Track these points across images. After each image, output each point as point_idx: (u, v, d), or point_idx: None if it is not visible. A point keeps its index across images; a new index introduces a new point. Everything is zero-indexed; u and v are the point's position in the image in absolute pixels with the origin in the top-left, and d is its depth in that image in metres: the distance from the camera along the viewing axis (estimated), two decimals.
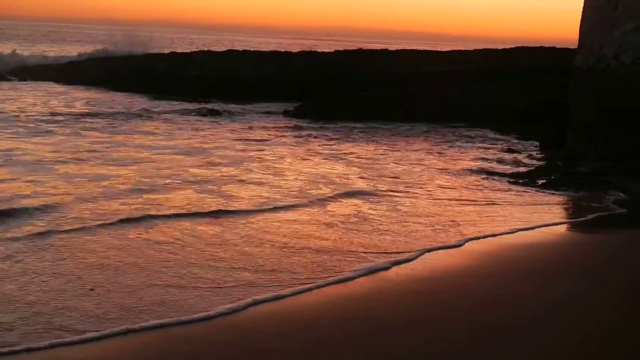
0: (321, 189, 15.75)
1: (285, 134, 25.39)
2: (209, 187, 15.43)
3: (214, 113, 30.07)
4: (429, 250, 11.40)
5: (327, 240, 11.79)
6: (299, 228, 12.43)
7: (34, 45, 77.41)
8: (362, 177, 17.61)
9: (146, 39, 53.95)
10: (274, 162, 19.21)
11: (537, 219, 14.21)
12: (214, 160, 18.98)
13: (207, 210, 13.21)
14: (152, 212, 12.82)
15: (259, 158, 19.79)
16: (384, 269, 10.38)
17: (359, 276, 10.02)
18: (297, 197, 14.84)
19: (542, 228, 13.50)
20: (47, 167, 16.78)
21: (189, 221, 12.47)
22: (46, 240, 10.95)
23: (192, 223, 12.35)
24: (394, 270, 10.44)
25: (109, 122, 26.18)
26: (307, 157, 20.58)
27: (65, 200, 13.29)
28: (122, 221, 12.14)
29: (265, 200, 14.43)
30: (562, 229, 14.03)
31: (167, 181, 15.77)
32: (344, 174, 17.95)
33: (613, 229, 14.18)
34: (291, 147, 22.28)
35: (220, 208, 13.47)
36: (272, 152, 21.03)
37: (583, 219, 14.75)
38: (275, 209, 13.71)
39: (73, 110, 29.02)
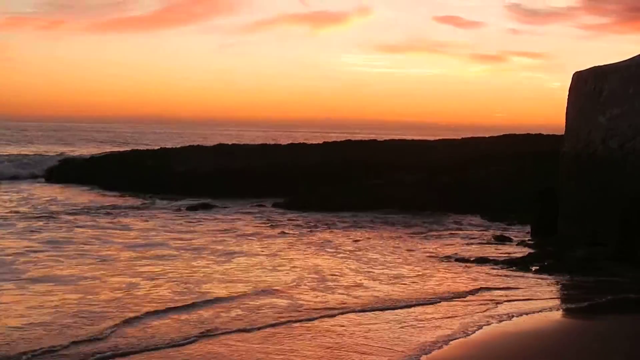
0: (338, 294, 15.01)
1: (276, 226, 25.23)
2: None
3: (204, 207, 29.97)
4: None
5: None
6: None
7: (20, 145, 77.85)
8: (359, 272, 17.27)
9: (135, 135, 54.39)
10: (274, 258, 18.84)
11: (531, 305, 14.04)
12: (205, 257, 18.74)
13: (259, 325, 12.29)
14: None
15: (254, 253, 19.49)
16: None
17: None
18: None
19: (536, 314, 13.34)
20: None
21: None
22: None
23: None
24: None
25: (92, 218, 25.98)
26: (305, 250, 20.27)
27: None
28: None
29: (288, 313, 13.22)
30: (557, 315, 13.85)
31: (153, 284, 15.45)
32: (346, 269, 17.69)
33: (606, 316, 14.01)
34: (284, 240, 22.09)
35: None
36: (266, 247, 20.77)
37: (578, 305, 14.59)
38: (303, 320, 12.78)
39: (59, 208, 28.93)
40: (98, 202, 31.76)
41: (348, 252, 20.02)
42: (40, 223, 24.17)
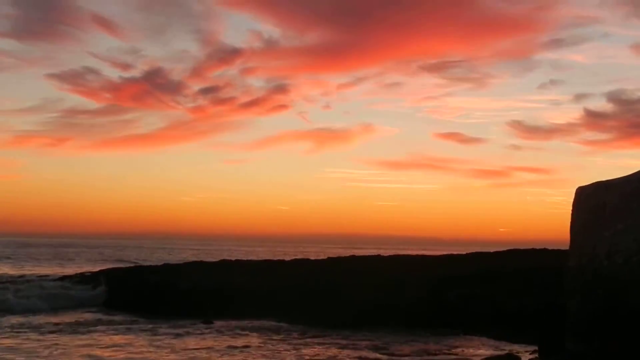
0: None
1: (276, 345, 24.90)
2: None
3: (207, 323, 29.75)
4: None
5: None
6: None
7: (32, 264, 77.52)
8: None
9: (138, 250, 54.34)
10: None
11: None
12: None
13: None
14: None
15: None
16: None
17: None
18: None
19: None
20: None
21: None
22: None
23: None
24: None
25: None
26: None
27: None
28: None
29: None
30: None
31: None
32: None
33: None
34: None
35: None
36: None
37: None
38: None
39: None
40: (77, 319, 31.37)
41: None
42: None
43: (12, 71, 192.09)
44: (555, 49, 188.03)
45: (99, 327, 28.18)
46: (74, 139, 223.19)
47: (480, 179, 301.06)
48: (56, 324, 28.82)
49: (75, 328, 27.88)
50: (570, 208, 23.24)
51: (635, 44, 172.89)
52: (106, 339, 24.88)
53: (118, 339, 25.09)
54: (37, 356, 21.19)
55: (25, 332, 26.44)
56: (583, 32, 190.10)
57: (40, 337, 25.08)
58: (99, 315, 33.43)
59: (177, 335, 26.47)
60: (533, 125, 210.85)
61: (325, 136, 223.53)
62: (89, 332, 26.91)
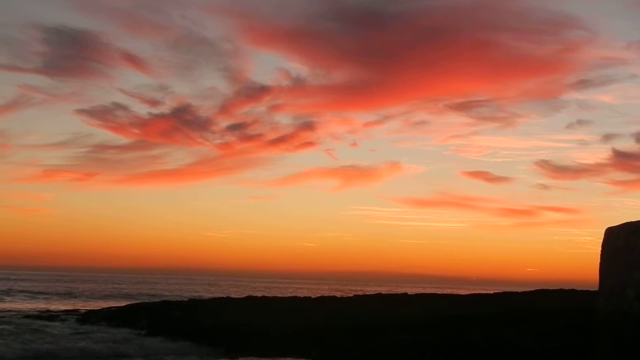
0: None
1: None
2: None
3: (230, 358, 29.66)
4: None
5: None
6: None
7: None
8: None
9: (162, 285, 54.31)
10: None
11: None
12: None
13: None
14: None
15: None
16: None
17: None
18: None
19: None
20: None
21: None
22: None
23: None
24: None
25: None
26: None
27: None
28: None
29: None
30: None
31: None
32: None
33: None
34: None
35: None
36: None
37: None
38: None
39: None
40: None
41: None
42: None
43: (42, 106, 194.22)
44: (583, 89, 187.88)
45: None
46: (102, 174, 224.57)
47: (507, 218, 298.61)
48: None
49: None
50: (599, 248, 23.07)
51: None
52: None
53: None
54: None
55: None
56: (610, 73, 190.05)
57: None
58: None
59: None
60: (561, 165, 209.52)
61: (352, 174, 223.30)
62: None
